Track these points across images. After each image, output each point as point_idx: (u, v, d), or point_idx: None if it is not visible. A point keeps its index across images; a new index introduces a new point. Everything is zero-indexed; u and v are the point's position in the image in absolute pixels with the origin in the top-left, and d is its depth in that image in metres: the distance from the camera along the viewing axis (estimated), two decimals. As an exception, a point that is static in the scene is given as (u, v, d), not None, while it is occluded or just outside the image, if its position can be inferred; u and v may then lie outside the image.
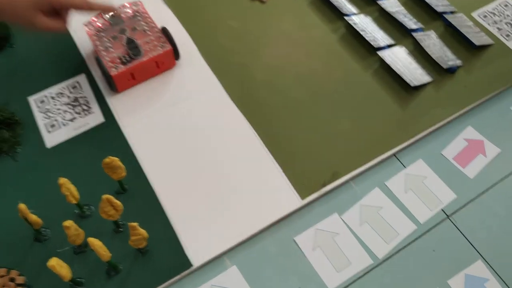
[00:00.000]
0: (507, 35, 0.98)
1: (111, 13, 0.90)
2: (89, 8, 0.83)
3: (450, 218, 0.80)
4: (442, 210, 0.80)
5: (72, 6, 0.82)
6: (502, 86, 0.92)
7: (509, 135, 0.87)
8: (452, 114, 0.88)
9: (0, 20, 0.79)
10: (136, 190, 0.81)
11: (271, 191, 0.80)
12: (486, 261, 0.76)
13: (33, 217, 0.73)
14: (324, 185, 0.80)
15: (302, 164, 0.83)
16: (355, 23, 0.97)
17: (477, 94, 0.91)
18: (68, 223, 0.69)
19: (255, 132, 0.86)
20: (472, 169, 0.84)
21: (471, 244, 0.77)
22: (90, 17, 0.92)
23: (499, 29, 0.99)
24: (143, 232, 0.72)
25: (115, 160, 0.73)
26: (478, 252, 0.77)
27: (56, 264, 0.65)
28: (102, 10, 0.86)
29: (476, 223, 0.79)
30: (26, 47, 0.96)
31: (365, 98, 0.90)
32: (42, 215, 0.76)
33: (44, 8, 0.79)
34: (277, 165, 0.82)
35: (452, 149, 0.86)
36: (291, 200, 0.79)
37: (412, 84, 0.89)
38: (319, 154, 0.84)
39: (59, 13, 0.83)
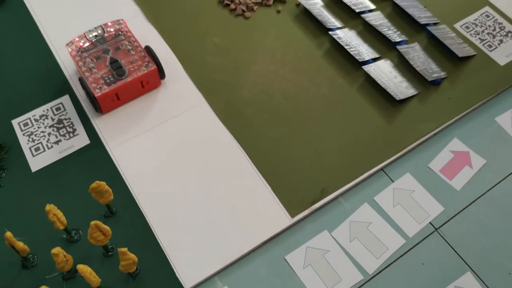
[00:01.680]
0: (489, 46, 0.99)
1: (94, 34, 0.90)
2: None
3: (438, 230, 0.80)
4: (430, 223, 0.81)
5: None
6: (486, 96, 0.93)
7: (494, 146, 0.88)
8: (437, 126, 0.89)
9: None
10: (125, 212, 0.80)
11: (261, 210, 0.80)
12: (475, 273, 0.76)
13: (20, 245, 0.72)
14: (313, 202, 0.80)
15: (290, 181, 0.83)
16: (339, 38, 0.97)
17: (461, 106, 0.92)
18: (56, 250, 0.69)
19: (243, 151, 0.86)
20: (458, 181, 0.85)
21: (460, 256, 0.78)
22: (72, 37, 0.91)
23: (481, 39, 1.00)
24: (132, 256, 0.71)
25: (102, 185, 0.72)
26: (467, 264, 0.77)
27: (45, 293, 0.64)
28: None
29: (464, 235, 0.80)
30: (8, 69, 0.95)
31: (351, 113, 0.90)
32: (29, 241, 0.75)
33: None
34: (266, 183, 0.82)
35: (438, 162, 0.87)
36: (281, 218, 0.79)
37: (397, 98, 0.90)
38: (307, 171, 0.84)
39: None
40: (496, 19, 1.03)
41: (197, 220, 0.79)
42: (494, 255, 0.78)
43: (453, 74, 0.95)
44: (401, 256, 0.78)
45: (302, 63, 0.96)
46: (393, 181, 0.84)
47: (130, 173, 0.83)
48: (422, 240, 0.79)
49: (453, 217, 0.81)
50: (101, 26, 0.91)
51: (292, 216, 0.79)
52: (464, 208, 0.82)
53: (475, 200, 0.83)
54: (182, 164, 0.84)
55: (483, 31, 1.01)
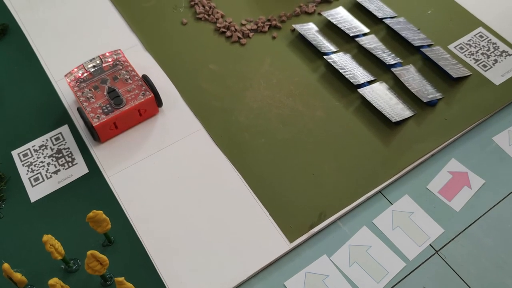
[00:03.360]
0: (484, 66, 1.00)
1: (92, 64, 0.91)
2: None
3: (438, 253, 0.79)
4: (431, 245, 0.80)
5: None
6: (482, 116, 0.93)
7: (493, 165, 0.88)
8: (434, 147, 0.89)
9: None
10: (123, 240, 0.80)
11: (259, 236, 0.80)
12: (477, 295, 0.76)
13: (18, 276, 0.71)
14: (311, 227, 0.80)
15: (288, 206, 0.83)
16: (334, 62, 0.98)
17: (458, 126, 0.92)
18: (53, 281, 0.68)
19: (241, 176, 0.86)
20: (458, 202, 0.84)
21: (461, 278, 0.77)
22: (72, 67, 0.92)
23: (476, 60, 1.01)
24: (130, 286, 0.71)
25: (99, 214, 0.72)
26: (468, 286, 0.76)
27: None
28: None
29: (465, 257, 0.79)
30: (9, 100, 0.96)
31: (348, 136, 0.90)
32: (28, 271, 0.75)
33: None
34: (263, 208, 0.82)
35: (437, 183, 0.86)
36: (279, 243, 0.79)
37: (393, 120, 0.90)
38: (305, 195, 0.84)
39: None
40: (490, 39, 1.04)
41: (196, 247, 0.79)
42: (495, 275, 0.77)
43: (449, 94, 0.96)
44: (401, 279, 0.77)
45: (298, 88, 0.97)
46: (391, 204, 0.84)
47: (128, 201, 0.84)
48: (423, 263, 0.78)
49: (453, 238, 0.81)
50: (99, 56, 0.93)
51: (291, 241, 0.79)
52: (464, 229, 0.82)
53: (475, 221, 0.82)
54: (180, 191, 0.85)
55: (477, 52, 1.02)
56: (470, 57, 1.02)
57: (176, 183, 0.86)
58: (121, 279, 0.68)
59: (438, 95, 0.95)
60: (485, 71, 0.99)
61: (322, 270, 0.77)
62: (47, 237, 0.70)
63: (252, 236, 0.80)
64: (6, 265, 0.69)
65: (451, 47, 1.03)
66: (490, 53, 1.02)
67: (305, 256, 0.79)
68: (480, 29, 1.06)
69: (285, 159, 0.88)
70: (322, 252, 0.79)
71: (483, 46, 1.03)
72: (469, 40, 1.04)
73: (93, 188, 0.85)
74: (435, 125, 0.92)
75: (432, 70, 0.99)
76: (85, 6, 1.10)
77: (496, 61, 1.00)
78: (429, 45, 1.02)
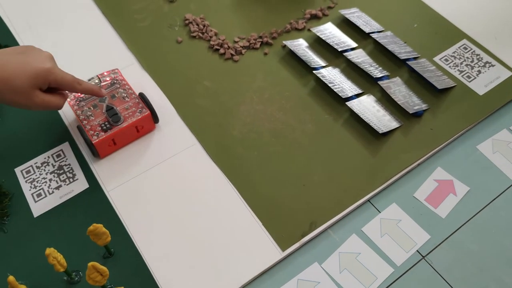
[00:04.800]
0: (468, 77, 1.04)
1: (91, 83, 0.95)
2: (81, 90, 0.87)
3: (425, 258, 0.83)
4: (418, 251, 0.83)
5: (67, 87, 0.85)
6: (467, 125, 0.97)
7: (476, 173, 0.92)
8: (420, 157, 0.92)
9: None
10: (123, 253, 0.83)
11: (252, 245, 0.83)
12: (463, 299, 0.79)
13: (23, 288, 0.75)
14: (303, 235, 0.83)
15: (280, 216, 0.86)
16: (323, 76, 1.02)
17: (443, 136, 0.95)
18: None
19: (234, 188, 0.89)
20: (443, 209, 0.88)
21: (447, 282, 0.80)
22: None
23: (460, 71, 1.05)
24: (129, 295, 0.74)
25: (99, 227, 0.76)
26: (455, 290, 0.80)
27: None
28: (93, 93, 0.90)
29: (451, 262, 0.82)
30: (11, 119, 1.00)
31: (337, 147, 0.94)
32: (32, 284, 0.78)
33: (42, 86, 0.82)
34: (256, 218, 0.86)
35: (423, 191, 0.90)
36: (272, 252, 0.82)
37: (380, 131, 0.94)
38: (296, 205, 0.87)
39: (54, 91, 0.86)
40: (474, 51, 1.08)
41: (192, 258, 0.82)
42: (479, 279, 0.80)
43: (434, 105, 0.99)
44: (390, 285, 0.80)
45: (289, 102, 1.01)
46: (379, 212, 0.87)
47: (127, 214, 0.87)
48: (410, 268, 0.82)
49: (440, 244, 0.84)
50: (97, 76, 0.97)
51: (283, 249, 0.82)
52: (450, 235, 0.85)
53: (460, 227, 0.86)
54: (176, 203, 0.88)
55: (461, 63, 1.06)
56: (454, 68, 1.05)
57: (172, 195, 0.89)
58: (121, 289, 0.72)
59: (423, 106, 0.99)
60: (469, 81, 1.03)
61: (314, 277, 0.81)
62: (49, 250, 0.73)
63: (246, 246, 0.83)
64: (11, 278, 0.73)
65: (436, 59, 1.07)
66: (474, 64, 1.06)
67: (297, 264, 0.82)
68: (464, 41, 1.10)
69: (277, 171, 0.92)
70: (314, 259, 0.82)
71: (467, 57, 1.07)
72: (453, 52, 1.08)
73: (93, 202, 0.89)
74: (421, 135, 0.95)
75: (418, 82, 1.03)
76: (83, 27, 1.14)
77: (479, 72, 1.04)
78: (415, 58, 1.06)
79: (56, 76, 0.83)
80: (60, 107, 0.87)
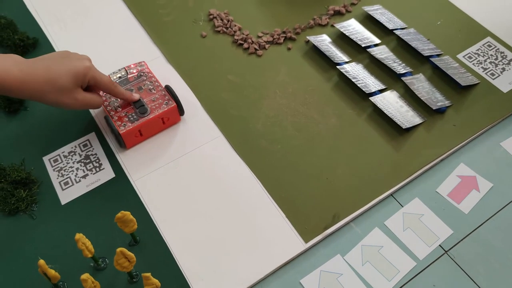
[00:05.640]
0: (492, 74, 1.04)
1: (118, 75, 0.97)
2: (116, 92, 0.91)
3: (448, 253, 0.83)
4: (440, 245, 0.84)
5: (103, 87, 0.89)
6: (490, 122, 0.97)
7: (500, 170, 0.92)
8: (443, 153, 0.92)
9: (43, 102, 0.85)
10: (148, 241, 0.85)
11: (276, 236, 0.84)
12: (485, 294, 0.79)
13: (52, 272, 0.77)
14: (325, 228, 0.84)
15: (303, 208, 0.87)
16: (347, 71, 1.03)
17: (466, 132, 0.95)
18: (85, 276, 0.73)
19: (258, 180, 0.91)
20: (466, 205, 0.88)
21: (470, 277, 0.80)
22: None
23: (484, 68, 1.05)
24: (156, 281, 0.76)
25: (127, 215, 0.77)
26: (477, 285, 0.80)
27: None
28: (125, 98, 0.93)
29: (474, 257, 0.82)
30: (39, 109, 1.02)
31: (360, 142, 0.95)
32: (60, 269, 0.80)
33: (82, 84, 0.87)
34: (280, 210, 0.87)
35: (446, 186, 0.90)
36: (295, 244, 0.83)
37: (403, 127, 0.94)
38: (319, 198, 0.88)
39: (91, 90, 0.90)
40: (498, 49, 1.07)
41: (216, 247, 0.84)
42: (503, 276, 0.80)
43: (458, 102, 1.00)
44: (412, 278, 0.81)
45: (312, 96, 1.01)
46: (402, 206, 0.88)
47: (152, 203, 0.89)
48: (433, 262, 0.82)
49: (462, 239, 0.84)
50: (124, 68, 0.98)
51: (306, 241, 0.83)
52: (473, 231, 0.85)
53: (483, 223, 0.86)
54: (200, 194, 0.90)
55: (485, 61, 1.06)
56: (478, 66, 1.05)
57: (196, 186, 0.91)
58: (148, 274, 0.73)
59: (447, 103, 0.99)
60: (493, 79, 1.03)
61: (336, 268, 0.82)
62: (79, 236, 0.75)
63: (270, 237, 0.84)
64: (42, 261, 0.74)
65: (459, 56, 1.07)
66: (498, 62, 1.06)
67: (320, 255, 0.83)
68: (488, 38, 1.10)
69: (300, 164, 0.92)
70: (336, 252, 0.83)
71: (491, 55, 1.07)
72: (477, 50, 1.08)
73: (119, 191, 0.91)
74: (444, 131, 0.96)
75: (441, 79, 1.03)
76: (110, 21, 1.17)
77: (504, 69, 1.04)
78: (438, 55, 1.07)
79: (95, 74, 0.87)
80: (100, 106, 0.91)
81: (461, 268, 0.81)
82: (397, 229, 0.85)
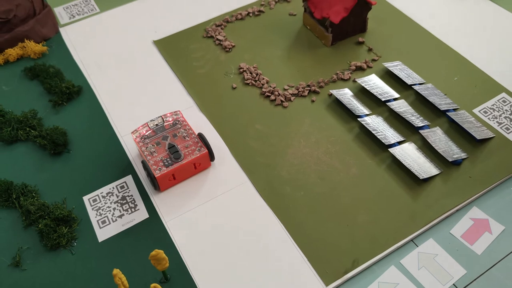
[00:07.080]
0: (507, 128, 1.09)
1: (155, 123, 1.05)
2: None
3: (462, 294, 0.87)
4: (454, 284, 0.87)
5: None
6: (505, 175, 1.01)
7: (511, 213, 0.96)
8: (459, 203, 0.97)
9: None
10: (178, 279, 0.91)
11: (298, 279, 0.89)
12: (498, 336, 0.82)
13: (89, 305, 0.83)
14: (345, 272, 0.89)
15: (325, 253, 0.92)
16: (367, 123, 1.09)
17: (482, 183, 1.00)
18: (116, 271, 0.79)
19: (282, 225, 0.96)
20: (479, 246, 0.92)
21: (484, 322, 0.83)
22: (136, 125, 1.06)
23: (499, 123, 1.10)
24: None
25: (160, 253, 0.84)
26: (492, 330, 0.83)
27: None
28: None
29: (487, 299, 0.86)
30: (81, 152, 1.11)
31: (379, 191, 1.00)
32: (96, 303, 0.86)
33: None
34: (302, 254, 0.92)
35: (459, 228, 0.94)
36: (315, 286, 0.88)
37: (421, 177, 0.99)
38: (339, 244, 0.93)
39: None
40: (513, 105, 1.13)
41: None
42: (516, 322, 0.83)
43: (473, 154, 1.05)
44: (428, 320, 0.84)
45: (334, 146, 1.08)
46: (417, 246, 0.92)
47: (183, 244, 0.95)
48: (447, 303, 0.86)
49: (476, 279, 0.88)
50: (161, 116, 1.07)
51: (327, 284, 0.88)
52: (486, 271, 0.89)
53: (495, 264, 0.90)
54: (228, 236, 0.95)
55: (500, 115, 1.11)
56: (493, 120, 1.11)
57: (224, 229, 0.97)
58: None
59: (463, 155, 1.04)
60: (508, 133, 1.08)
61: (355, 311, 0.86)
62: (116, 271, 0.81)
63: (292, 279, 0.89)
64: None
65: (475, 111, 1.13)
66: (512, 117, 1.11)
67: (339, 298, 0.88)
68: (503, 94, 1.15)
69: (322, 211, 0.98)
70: (354, 292, 0.88)
71: (506, 110, 1.12)
72: (492, 105, 1.14)
73: (153, 231, 0.97)
74: (460, 182, 1.00)
75: (458, 132, 1.09)
76: (149, 73, 1.27)
77: (518, 124, 1.09)
78: (454, 109, 1.12)
79: None
80: None
81: (476, 313, 0.84)
82: (412, 267, 0.89)
